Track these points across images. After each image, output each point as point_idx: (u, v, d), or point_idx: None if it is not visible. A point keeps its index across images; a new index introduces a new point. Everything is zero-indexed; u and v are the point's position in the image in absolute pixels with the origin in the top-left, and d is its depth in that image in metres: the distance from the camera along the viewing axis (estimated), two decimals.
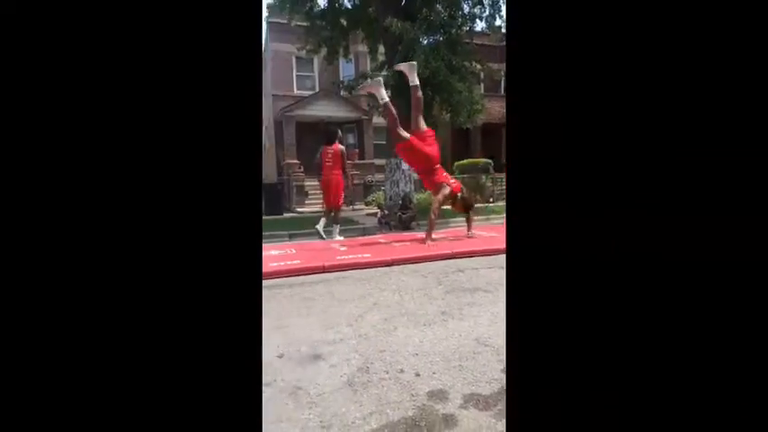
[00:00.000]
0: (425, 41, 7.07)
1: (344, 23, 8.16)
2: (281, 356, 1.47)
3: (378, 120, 10.95)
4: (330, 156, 4.59)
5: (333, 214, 4.68)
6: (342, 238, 4.56)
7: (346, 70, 13.15)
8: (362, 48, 10.74)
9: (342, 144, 4.75)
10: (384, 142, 8.53)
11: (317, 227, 4.53)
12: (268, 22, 11.76)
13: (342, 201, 4.80)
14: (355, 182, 9.55)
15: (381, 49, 8.16)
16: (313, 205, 11.54)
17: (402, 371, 1.32)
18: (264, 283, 2.62)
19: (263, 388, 1.24)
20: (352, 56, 11.15)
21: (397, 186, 7.07)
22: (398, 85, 7.02)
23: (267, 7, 8.73)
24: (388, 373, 1.32)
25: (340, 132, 4.81)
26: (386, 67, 7.66)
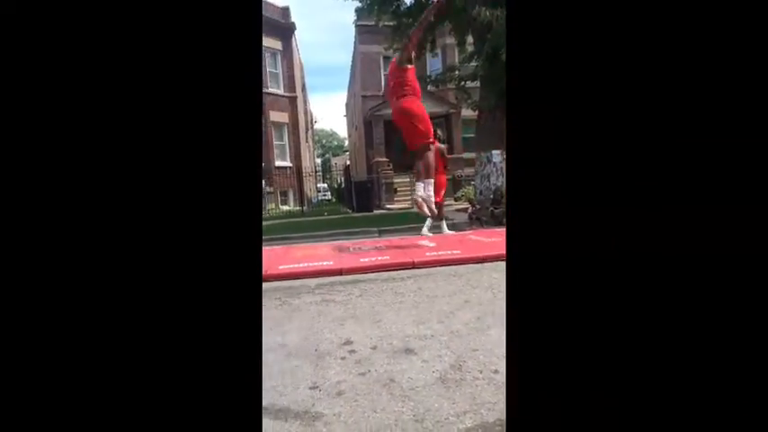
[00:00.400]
0: None
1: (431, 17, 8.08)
2: (374, 348, 1.52)
3: (466, 112, 10.68)
4: None
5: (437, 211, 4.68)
6: (451, 232, 4.55)
7: (433, 65, 13.06)
8: (450, 40, 10.55)
9: (441, 143, 4.73)
10: (473, 135, 8.30)
11: (424, 230, 4.56)
12: (356, 26, 12.19)
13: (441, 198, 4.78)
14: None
15: (470, 39, 7.93)
16: (402, 202, 11.70)
17: (497, 371, 1.27)
18: (357, 277, 2.74)
19: (359, 378, 1.30)
20: (438, 50, 11.03)
21: (488, 180, 6.83)
22: (488, 75, 6.78)
23: (355, 11, 9.05)
24: (482, 372, 1.28)
25: (439, 132, 4.75)
26: (475, 57, 7.43)
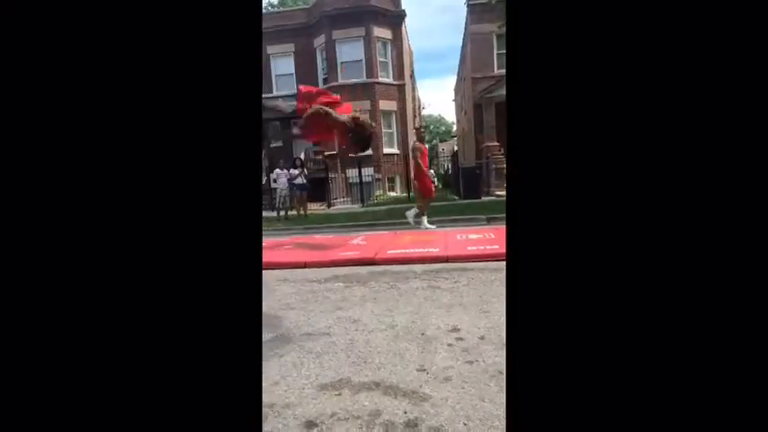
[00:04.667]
0: None
1: None
2: (482, 338, 1.50)
3: None
4: None
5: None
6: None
7: None
8: None
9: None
10: None
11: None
12: (468, 5, 11.74)
13: None
14: None
15: None
16: None
17: None
18: (464, 265, 2.71)
19: (466, 365, 1.30)
20: None
21: None
22: None
23: None
24: None
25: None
26: None
